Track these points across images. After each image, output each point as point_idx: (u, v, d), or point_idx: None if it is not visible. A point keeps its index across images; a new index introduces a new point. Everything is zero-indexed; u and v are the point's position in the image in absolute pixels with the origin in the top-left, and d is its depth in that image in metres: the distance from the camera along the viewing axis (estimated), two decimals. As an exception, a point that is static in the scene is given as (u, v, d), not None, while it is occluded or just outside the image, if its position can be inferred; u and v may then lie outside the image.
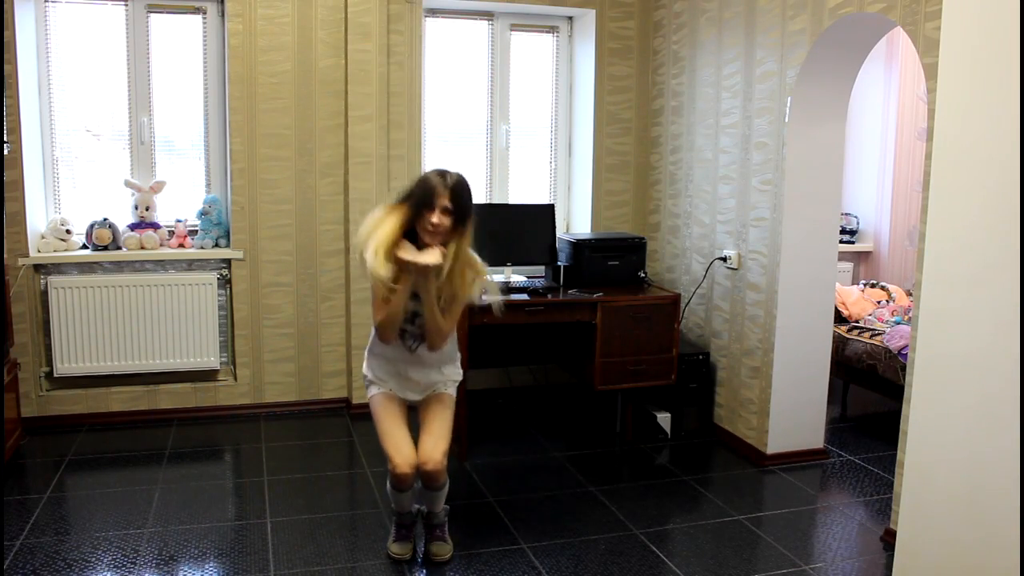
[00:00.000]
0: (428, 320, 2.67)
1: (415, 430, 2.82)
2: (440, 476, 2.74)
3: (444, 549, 2.88)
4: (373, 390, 2.86)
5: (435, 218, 2.56)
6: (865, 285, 5.01)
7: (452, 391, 2.89)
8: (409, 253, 2.57)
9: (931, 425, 2.35)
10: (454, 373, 2.91)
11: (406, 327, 2.73)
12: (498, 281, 4.00)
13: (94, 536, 2.99)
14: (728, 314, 4.07)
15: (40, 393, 4.12)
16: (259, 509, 3.26)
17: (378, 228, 2.60)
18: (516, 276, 4.15)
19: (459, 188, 2.61)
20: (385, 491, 3.07)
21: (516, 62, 4.82)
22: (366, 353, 2.89)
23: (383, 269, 2.54)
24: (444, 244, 2.61)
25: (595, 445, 4.07)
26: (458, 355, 2.94)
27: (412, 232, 2.63)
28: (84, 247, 4.18)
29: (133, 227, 4.21)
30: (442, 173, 2.63)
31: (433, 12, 4.63)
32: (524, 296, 3.81)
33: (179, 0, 4.24)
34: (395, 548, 2.89)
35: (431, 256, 2.56)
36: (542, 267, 4.33)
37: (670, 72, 4.52)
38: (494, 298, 2.74)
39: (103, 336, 4.11)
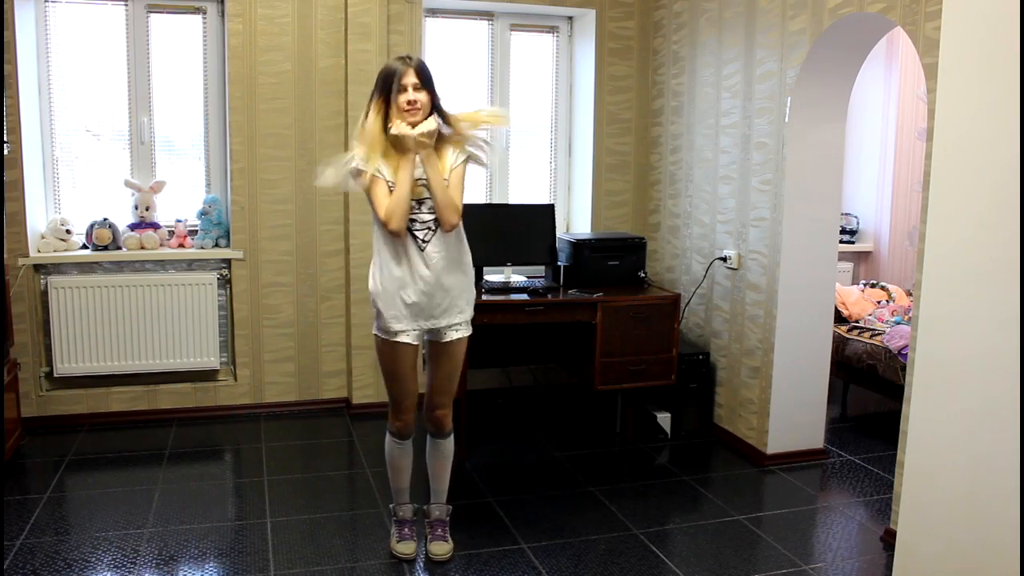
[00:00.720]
0: (437, 194, 2.62)
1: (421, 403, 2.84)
2: (447, 419, 2.81)
3: (444, 548, 2.87)
4: (383, 324, 2.71)
5: (409, 95, 2.59)
6: (865, 285, 5.01)
7: (466, 332, 2.80)
8: (404, 129, 2.59)
9: (931, 425, 2.35)
10: (469, 291, 2.79)
11: (414, 215, 2.64)
12: (498, 281, 4.01)
13: (94, 536, 2.99)
14: (728, 314, 4.07)
15: (40, 393, 4.12)
16: (259, 509, 3.26)
17: (361, 132, 2.64)
18: (516, 276, 4.15)
19: (421, 63, 2.66)
20: (388, 491, 3.05)
21: (516, 62, 4.82)
22: (376, 287, 2.71)
23: (379, 159, 2.59)
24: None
25: (595, 445, 4.07)
26: (471, 268, 2.81)
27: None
28: (84, 247, 4.18)
29: (133, 227, 4.21)
30: (399, 57, 2.68)
31: (433, 12, 4.62)
32: (524, 296, 3.81)
33: (179, 0, 4.24)
34: (400, 548, 2.89)
35: (425, 125, 2.59)
36: (542, 267, 4.33)
37: (670, 72, 4.52)
38: (480, 150, 2.74)
39: (103, 336, 4.11)
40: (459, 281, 2.74)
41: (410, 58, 2.66)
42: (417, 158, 2.62)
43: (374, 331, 2.77)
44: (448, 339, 2.77)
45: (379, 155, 2.62)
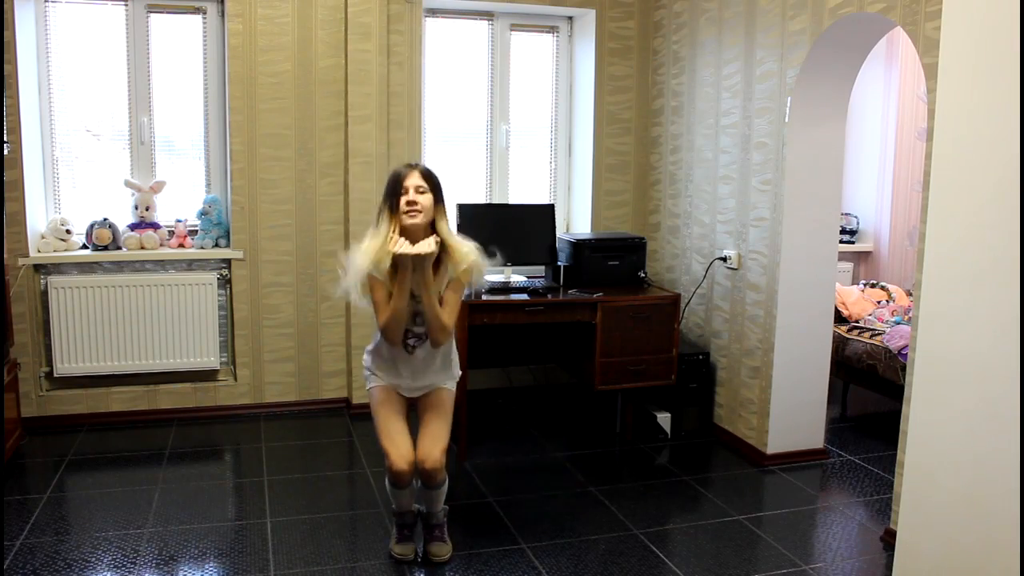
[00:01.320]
0: (429, 315, 2.69)
1: (414, 430, 2.82)
2: (438, 474, 2.75)
3: (443, 549, 2.87)
4: (373, 381, 2.87)
5: (410, 196, 2.65)
6: (865, 285, 5.01)
7: (452, 387, 2.90)
8: (403, 246, 2.62)
9: (931, 425, 2.35)
10: (453, 371, 2.93)
11: (408, 327, 2.75)
12: (498, 281, 4.01)
13: (94, 536, 2.99)
14: (728, 314, 4.07)
15: (40, 393, 4.12)
16: (259, 509, 3.26)
17: (368, 242, 2.70)
18: (516, 276, 4.15)
19: (425, 169, 2.73)
20: (385, 491, 3.06)
21: (516, 62, 4.82)
22: (367, 350, 2.91)
23: (381, 266, 2.64)
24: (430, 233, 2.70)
25: (595, 445, 4.07)
26: (456, 355, 2.94)
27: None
28: (84, 247, 4.19)
29: (133, 227, 4.21)
30: (405, 164, 2.77)
31: (433, 12, 4.63)
32: (524, 296, 3.81)
33: (179, 0, 4.24)
34: (398, 549, 2.89)
35: (424, 246, 2.62)
36: (542, 267, 4.33)
37: (670, 72, 4.52)
38: (478, 274, 2.77)
39: (103, 336, 4.11)
40: (440, 377, 2.87)
41: (416, 164, 2.75)
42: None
43: (367, 387, 2.90)
44: (432, 388, 2.86)
45: (380, 261, 2.65)
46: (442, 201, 2.74)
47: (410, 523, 2.94)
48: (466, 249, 2.73)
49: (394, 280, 2.66)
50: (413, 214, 2.64)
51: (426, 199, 2.67)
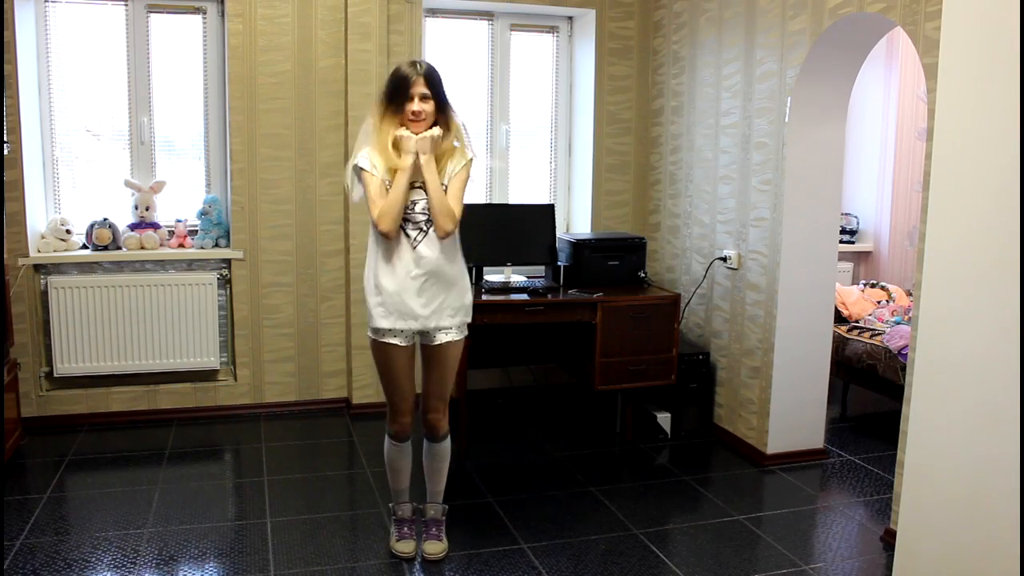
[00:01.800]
0: (433, 198, 2.63)
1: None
2: (442, 423, 2.82)
3: (438, 548, 2.87)
4: (378, 334, 2.72)
5: (415, 105, 2.61)
6: (865, 285, 5.01)
7: (458, 337, 2.77)
8: (404, 132, 2.63)
9: (931, 425, 2.35)
10: (465, 300, 2.78)
11: (407, 215, 2.65)
12: (498, 281, 4.01)
13: (94, 536, 2.99)
14: (728, 314, 4.06)
15: (40, 393, 4.12)
16: (259, 509, 3.26)
17: (366, 133, 2.68)
18: (516, 276, 4.14)
19: (431, 71, 2.67)
20: (388, 490, 3.04)
21: (516, 62, 4.82)
22: (368, 285, 2.73)
23: (384, 158, 2.62)
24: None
25: (595, 445, 4.07)
26: (467, 281, 2.81)
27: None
28: (84, 247, 4.18)
29: (133, 227, 4.21)
30: (411, 62, 2.68)
31: (433, 12, 4.62)
32: (524, 296, 3.81)
33: (179, 0, 4.24)
34: (400, 547, 2.89)
35: (427, 133, 2.63)
36: (542, 267, 4.33)
37: (670, 72, 4.52)
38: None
39: (103, 336, 4.11)
40: (449, 283, 2.72)
41: (420, 64, 2.66)
42: (416, 160, 2.63)
43: (368, 333, 2.78)
44: (438, 342, 2.74)
45: (381, 157, 2.64)
46: (445, 100, 2.68)
47: (409, 518, 2.94)
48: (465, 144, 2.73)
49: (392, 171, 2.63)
50: (417, 122, 2.62)
51: (429, 106, 2.63)
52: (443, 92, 2.69)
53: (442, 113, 2.68)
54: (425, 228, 2.67)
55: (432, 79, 2.65)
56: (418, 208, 2.66)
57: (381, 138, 2.65)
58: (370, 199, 2.63)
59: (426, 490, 2.96)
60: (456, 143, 2.73)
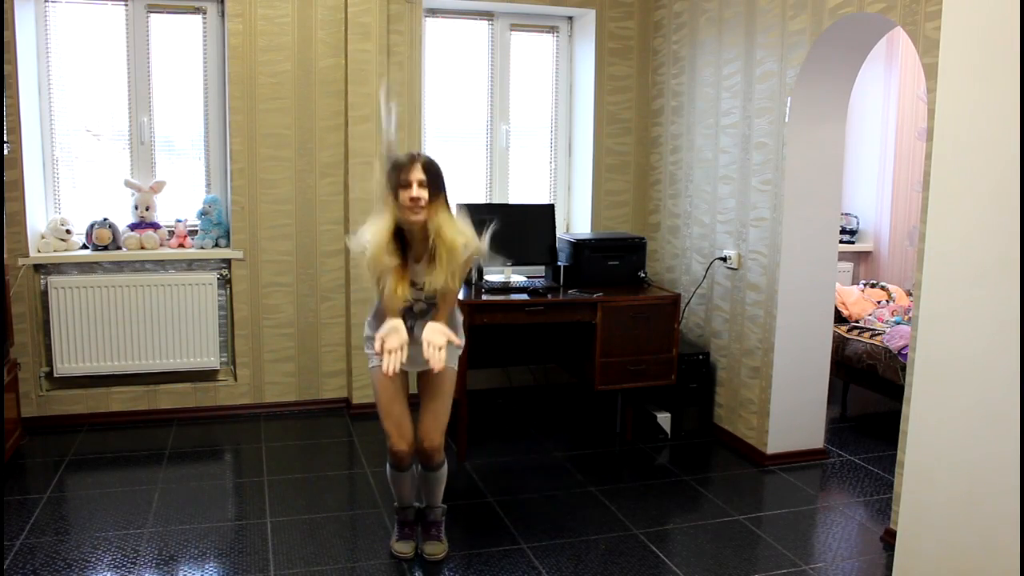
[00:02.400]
0: (439, 305, 2.68)
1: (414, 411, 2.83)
2: (437, 454, 2.79)
3: (438, 548, 2.88)
4: (376, 360, 2.75)
5: (413, 192, 2.57)
6: (865, 285, 5.01)
7: (454, 364, 2.82)
8: (393, 359, 2.58)
9: (931, 425, 2.35)
10: (455, 338, 2.77)
11: (408, 309, 2.71)
12: (498, 281, 4.01)
13: (94, 536, 2.99)
14: (728, 314, 4.06)
15: (40, 393, 4.12)
16: (259, 509, 3.26)
17: (372, 232, 2.65)
18: (516, 276, 4.15)
19: (429, 161, 2.64)
20: (387, 490, 3.04)
21: (516, 62, 4.82)
22: (368, 319, 2.85)
23: (384, 262, 2.61)
24: (426, 223, 2.62)
25: (595, 445, 4.07)
26: (459, 317, 2.87)
27: (400, 236, 2.67)
28: (84, 247, 4.18)
29: (133, 227, 4.21)
30: (408, 154, 2.66)
31: (433, 12, 4.62)
32: (524, 296, 3.81)
33: (179, 0, 4.24)
34: (399, 547, 2.90)
35: (435, 345, 2.60)
36: (542, 267, 4.33)
37: (670, 72, 4.52)
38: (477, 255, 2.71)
39: (103, 336, 4.11)
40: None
41: (418, 154, 2.66)
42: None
43: (369, 366, 2.82)
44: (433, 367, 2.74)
45: (382, 255, 2.63)
46: (442, 191, 2.65)
47: (411, 520, 2.94)
48: (462, 241, 2.64)
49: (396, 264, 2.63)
50: (417, 211, 2.58)
51: (426, 194, 2.59)
52: (441, 179, 2.65)
53: (439, 203, 2.64)
54: (423, 316, 2.72)
55: (429, 167, 2.62)
56: (415, 308, 2.73)
57: (382, 234, 2.63)
58: (378, 289, 2.71)
59: (423, 498, 2.95)
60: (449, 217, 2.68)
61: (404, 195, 2.57)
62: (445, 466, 2.87)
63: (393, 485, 2.91)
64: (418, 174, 2.58)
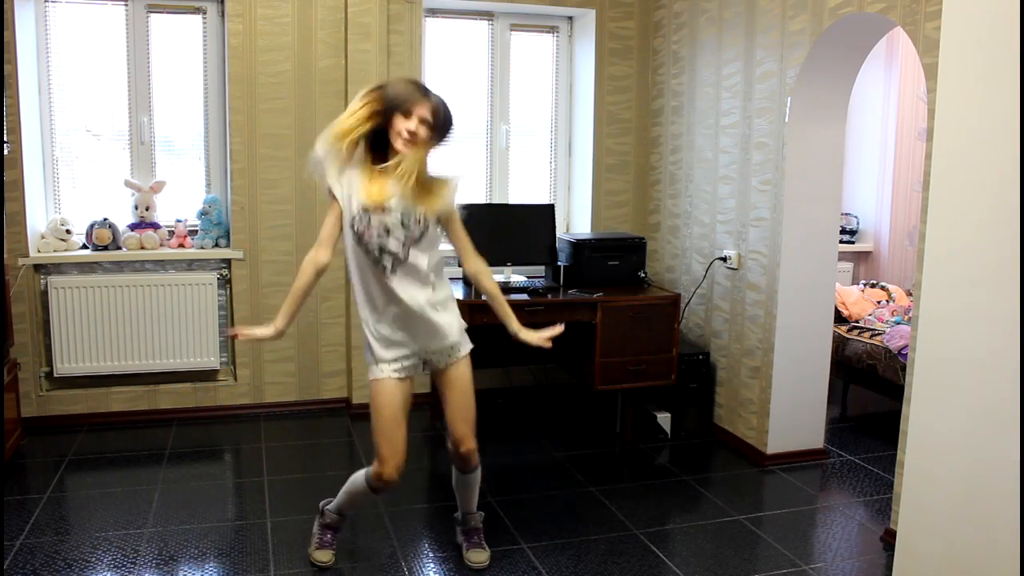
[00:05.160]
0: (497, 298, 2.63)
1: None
2: (475, 455, 2.68)
3: (483, 556, 2.83)
4: (377, 372, 2.55)
5: (412, 126, 2.40)
6: (865, 285, 5.01)
7: (467, 349, 2.65)
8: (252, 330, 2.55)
9: (931, 425, 2.35)
10: (452, 303, 2.63)
11: (380, 241, 2.45)
12: (498, 281, 4.00)
13: (94, 536, 2.99)
14: (728, 314, 4.06)
15: (40, 393, 4.12)
16: (259, 509, 3.26)
17: (347, 116, 2.44)
18: (516, 276, 4.15)
19: (442, 106, 2.47)
20: (365, 491, 2.75)
21: (516, 62, 4.82)
22: (364, 325, 2.58)
23: (336, 154, 2.42)
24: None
25: (595, 445, 4.07)
26: (445, 275, 2.64)
27: (379, 139, 2.46)
28: (84, 247, 4.18)
29: (133, 227, 4.21)
30: (421, 86, 2.49)
31: (433, 12, 4.63)
32: (524, 296, 3.81)
33: (179, 0, 4.24)
34: (319, 555, 2.81)
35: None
36: (542, 267, 4.33)
37: (670, 72, 4.52)
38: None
39: (103, 336, 4.11)
40: (453, 329, 2.61)
41: (431, 94, 2.47)
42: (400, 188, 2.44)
43: (370, 376, 2.61)
44: (451, 360, 2.61)
45: (346, 167, 2.46)
46: (441, 139, 2.47)
47: (336, 527, 2.87)
48: (449, 187, 2.49)
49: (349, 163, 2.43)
50: (408, 144, 2.40)
51: (425, 133, 2.42)
52: (447, 130, 2.47)
53: (435, 144, 2.48)
54: (401, 260, 2.47)
55: (439, 111, 2.44)
56: (392, 236, 2.46)
57: (352, 126, 2.41)
58: (321, 234, 2.53)
59: (458, 505, 2.91)
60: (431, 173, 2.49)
61: (401, 122, 2.41)
62: (480, 468, 2.77)
63: (353, 499, 2.77)
64: (424, 112, 2.41)
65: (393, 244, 2.47)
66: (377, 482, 2.60)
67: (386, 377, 2.55)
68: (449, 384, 2.64)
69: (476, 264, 2.66)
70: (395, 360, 2.56)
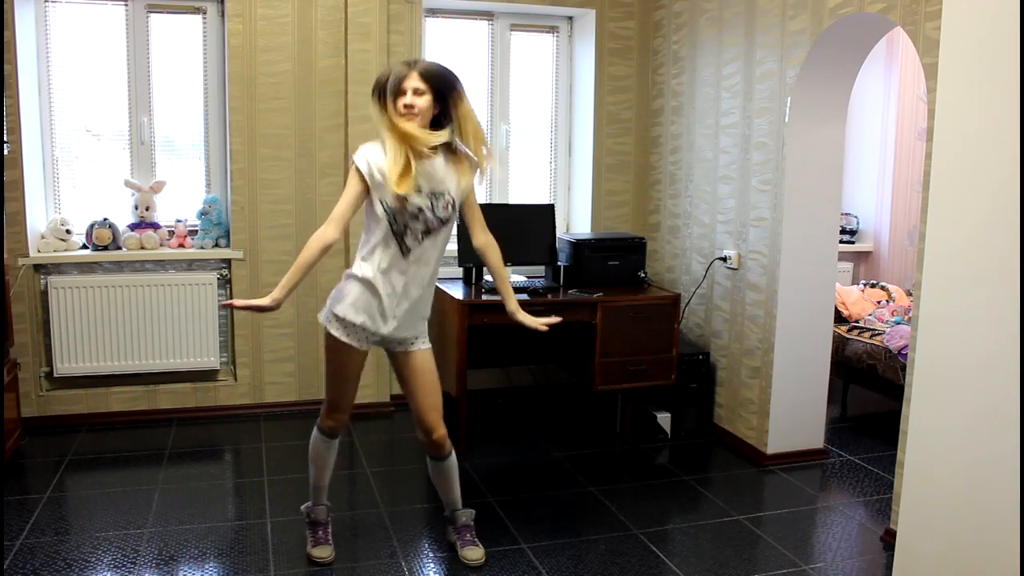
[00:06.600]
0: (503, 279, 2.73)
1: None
2: (447, 441, 2.75)
3: (478, 553, 2.84)
4: (337, 328, 2.63)
5: (407, 99, 2.49)
6: (865, 285, 5.01)
7: (429, 343, 2.75)
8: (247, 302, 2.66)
9: (931, 425, 2.35)
10: (427, 319, 2.76)
11: (408, 223, 2.55)
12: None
13: (94, 536, 2.99)
14: (728, 314, 4.06)
15: (40, 393, 4.12)
16: (259, 509, 3.26)
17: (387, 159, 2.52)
18: (516, 276, 4.15)
19: (428, 65, 2.55)
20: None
21: (516, 62, 4.82)
22: (345, 283, 2.66)
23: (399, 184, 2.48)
24: (439, 126, 2.55)
25: (595, 445, 4.07)
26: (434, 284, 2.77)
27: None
28: (84, 247, 4.18)
29: (133, 227, 4.21)
30: (405, 61, 2.58)
31: (433, 12, 4.62)
32: (524, 296, 3.81)
33: (179, 0, 4.24)
34: (317, 552, 2.82)
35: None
36: (542, 267, 4.33)
37: (670, 72, 4.52)
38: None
39: (103, 336, 4.11)
40: (417, 325, 2.70)
41: (415, 62, 2.56)
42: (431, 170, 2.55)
43: (324, 321, 2.67)
44: (416, 349, 2.70)
45: (392, 156, 2.51)
46: (448, 93, 2.54)
47: (324, 521, 2.89)
48: (480, 138, 2.60)
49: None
50: (410, 117, 2.49)
51: (424, 101, 2.50)
52: (445, 80, 2.55)
53: (444, 101, 2.54)
54: (421, 239, 2.57)
55: (427, 74, 2.51)
56: (421, 216, 2.55)
57: (392, 134, 2.49)
58: (335, 211, 2.57)
59: (443, 502, 2.92)
60: (462, 147, 2.58)
61: (399, 101, 2.49)
62: (454, 453, 2.80)
63: (315, 463, 2.82)
64: (413, 82, 2.50)
65: (419, 226, 2.56)
66: (328, 421, 2.80)
67: (349, 344, 2.62)
68: (413, 372, 2.71)
69: (486, 237, 2.77)
70: (362, 329, 2.61)
